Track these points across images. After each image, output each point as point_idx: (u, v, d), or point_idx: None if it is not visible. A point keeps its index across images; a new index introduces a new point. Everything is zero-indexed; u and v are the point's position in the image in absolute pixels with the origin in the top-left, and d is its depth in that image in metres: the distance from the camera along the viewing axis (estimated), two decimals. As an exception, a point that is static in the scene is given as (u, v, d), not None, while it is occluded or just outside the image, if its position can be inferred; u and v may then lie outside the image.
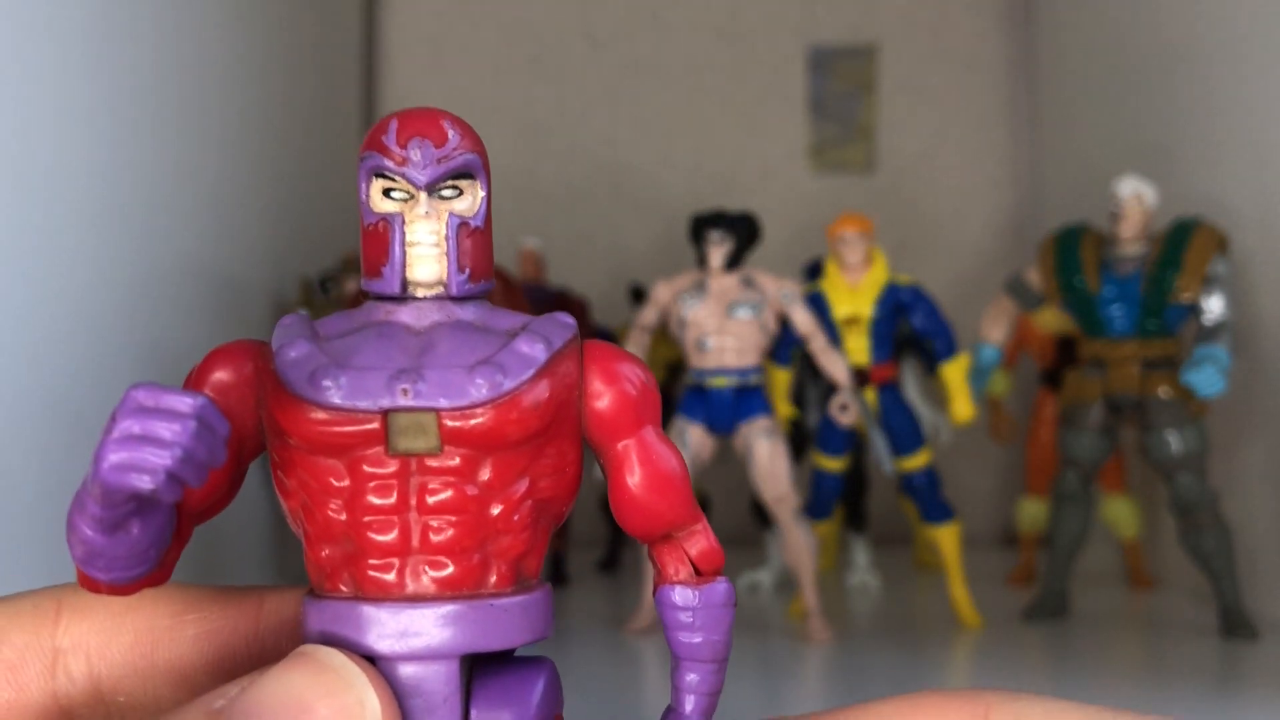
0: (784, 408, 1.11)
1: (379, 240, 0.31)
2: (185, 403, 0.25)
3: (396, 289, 0.31)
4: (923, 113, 1.68)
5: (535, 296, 1.27)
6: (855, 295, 1.07)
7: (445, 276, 0.31)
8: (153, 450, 0.25)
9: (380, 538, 0.30)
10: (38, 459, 0.71)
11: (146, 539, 0.28)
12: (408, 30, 1.70)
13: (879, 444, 1.04)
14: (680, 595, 0.32)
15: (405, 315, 0.31)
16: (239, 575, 1.04)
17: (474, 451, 0.30)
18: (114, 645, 0.31)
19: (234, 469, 0.31)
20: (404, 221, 0.31)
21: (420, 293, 0.31)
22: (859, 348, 1.07)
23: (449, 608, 0.29)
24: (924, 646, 0.97)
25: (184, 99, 0.98)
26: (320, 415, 0.29)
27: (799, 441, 1.22)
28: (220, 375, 0.32)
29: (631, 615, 1.00)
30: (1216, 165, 1.13)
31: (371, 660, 0.29)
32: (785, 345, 1.08)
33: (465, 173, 0.31)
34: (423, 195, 0.31)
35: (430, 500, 0.30)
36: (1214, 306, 0.97)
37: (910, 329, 1.14)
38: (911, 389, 1.28)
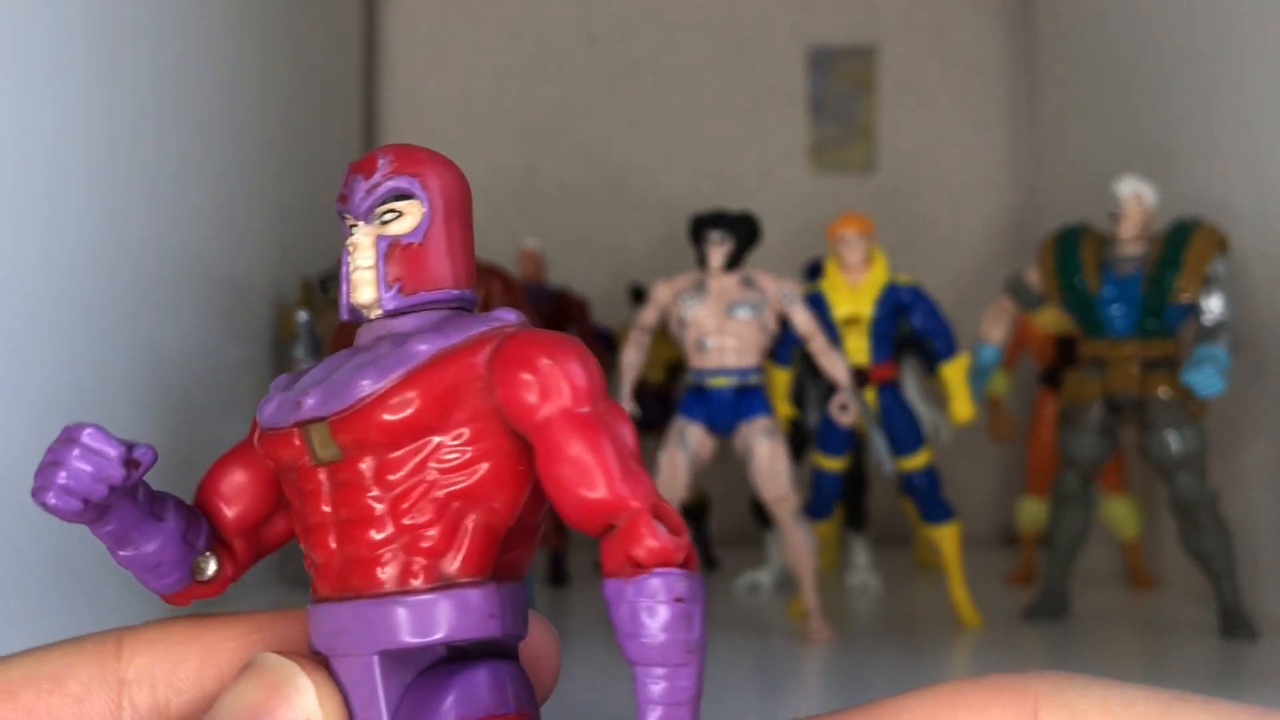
0: (784, 408, 1.11)
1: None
2: (74, 430, 0.30)
3: (346, 315, 0.34)
4: (923, 113, 1.68)
5: (535, 296, 1.27)
6: (855, 295, 1.07)
7: (377, 296, 0.33)
8: (50, 473, 0.30)
9: (317, 544, 0.32)
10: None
11: (154, 553, 0.32)
12: (408, 30, 1.70)
13: (879, 444, 1.04)
14: (608, 589, 0.29)
15: (361, 337, 0.34)
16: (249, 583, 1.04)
17: (368, 453, 0.31)
18: (180, 672, 0.33)
19: (273, 497, 0.34)
20: (349, 251, 0.34)
21: (370, 314, 0.33)
22: (859, 348, 1.07)
23: (364, 605, 0.30)
24: (924, 646, 0.97)
25: (184, 99, 0.98)
26: (262, 436, 0.33)
27: (799, 441, 1.22)
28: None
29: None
30: (1216, 165, 1.13)
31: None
32: (785, 345, 1.08)
33: (399, 195, 0.33)
34: (362, 224, 0.33)
35: (344, 507, 0.31)
36: (1213, 307, 0.97)
37: (910, 329, 1.14)
38: (911, 389, 1.28)
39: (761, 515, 1.22)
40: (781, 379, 1.11)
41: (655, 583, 0.29)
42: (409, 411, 0.30)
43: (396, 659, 0.30)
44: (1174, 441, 0.98)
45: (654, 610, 0.29)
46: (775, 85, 1.69)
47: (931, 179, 1.67)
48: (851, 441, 1.10)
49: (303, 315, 1.15)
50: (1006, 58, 1.69)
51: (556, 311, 1.31)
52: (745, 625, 1.02)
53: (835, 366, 1.02)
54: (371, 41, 1.69)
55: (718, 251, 1.01)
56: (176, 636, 0.33)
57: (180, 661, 0.33)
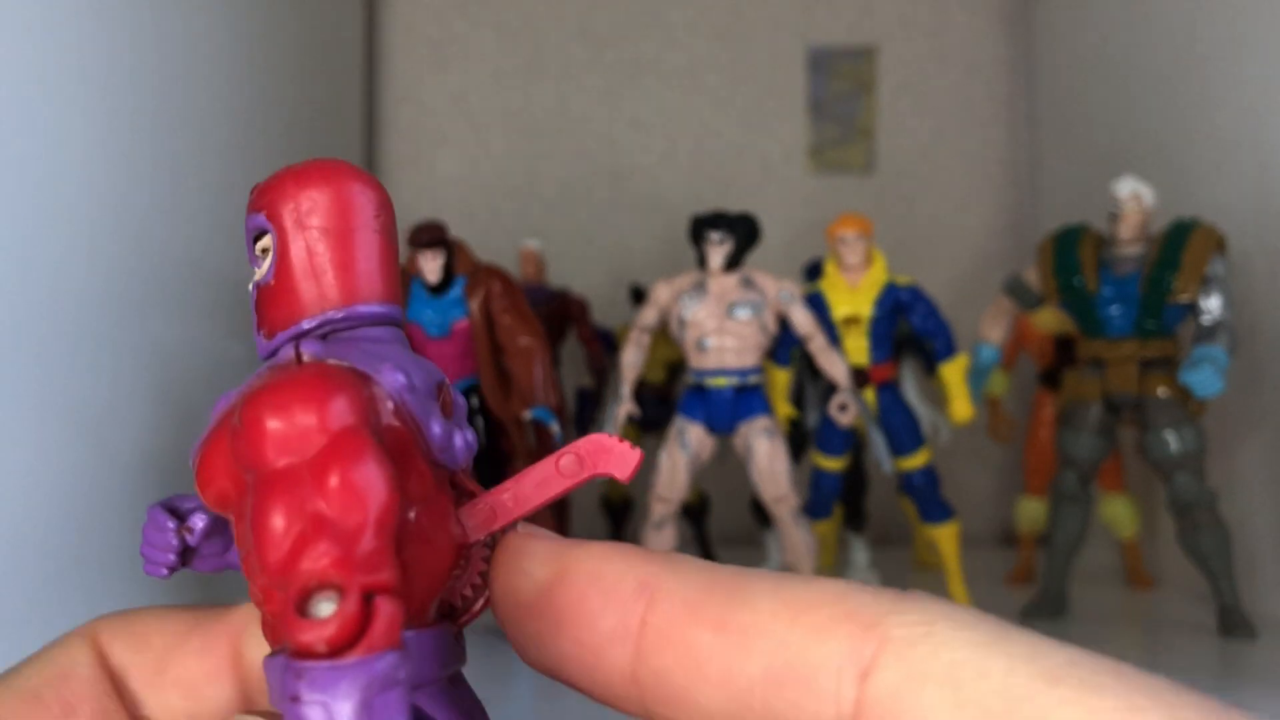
0: (784, 408, 1.11)
1: None
2: (149, 510, 0.31)
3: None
4: (922, 113, 1.68)
5: (535, 297, 1.27)
6: (855, 295, 1.07)
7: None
8: (142, 547, 0.32)
9: None
10: (37, 459, 0.71)
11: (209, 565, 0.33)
12: (408, 30, 1.70)
13: (878, 444, 1.04)
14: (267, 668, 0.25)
15: None
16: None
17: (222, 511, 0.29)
18: (131, 674, 0.33)
19: None
20: None
21: None
22: (858, 348, 1.07)
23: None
24: (923, 646, 0.97)
25: (184, 99, 0.98)
26: None
27: (799, 441, 1.22)
28: None
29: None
30: (1216, 165, 1.13)
31: None
32: (785, 345, 1.08)
33: (258, 234, 0.30)
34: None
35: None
36: (1212, 307, 0.97)
37: (909, 329, 1.14)
38: (911, 389, 1.28)
39: (761, 515, 1.22)
40: (781, 379, 1.11)
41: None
42: (198, 464, 0.28)
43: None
44: (1173, 441, 0.98)
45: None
46: (775, 86, 1.69)
47: (931, 179, 1.67)
48: (851, 441, 1.11)
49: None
50: (1006, 58, 1.69)
51: (556, 312, 1.31)
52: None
53: (835, 366, 1.02)
54: (371, 41, 1.69)
55: (717, 252, 1.01)
56: (134, 632, 0.34)
57: (132, 667, 0.33)
